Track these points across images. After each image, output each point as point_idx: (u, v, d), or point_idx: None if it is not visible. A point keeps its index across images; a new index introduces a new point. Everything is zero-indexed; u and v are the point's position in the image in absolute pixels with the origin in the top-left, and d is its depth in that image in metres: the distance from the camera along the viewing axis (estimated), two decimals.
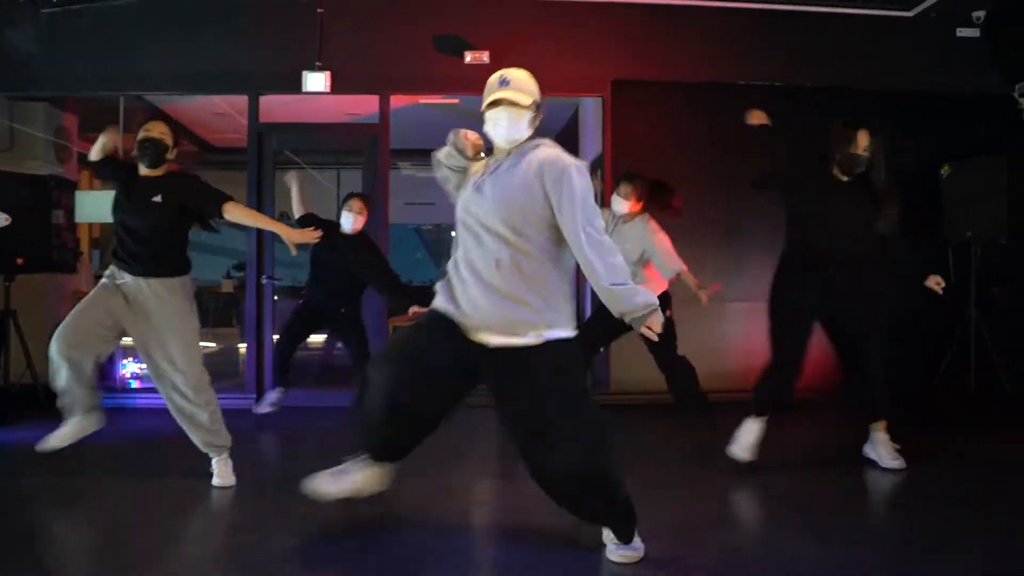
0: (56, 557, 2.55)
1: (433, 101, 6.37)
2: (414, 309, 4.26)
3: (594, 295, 2.59)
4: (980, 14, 5.67)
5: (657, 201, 4.33)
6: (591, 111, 6.63)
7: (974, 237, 5.40)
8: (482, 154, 2.55)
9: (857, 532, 2.86)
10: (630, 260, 4.18)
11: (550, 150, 2.45)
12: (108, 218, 3.43)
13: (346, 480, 2.58)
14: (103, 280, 3.32)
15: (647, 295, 2.32)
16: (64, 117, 6.30)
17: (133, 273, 3.25)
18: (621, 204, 4.30)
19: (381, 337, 5.58)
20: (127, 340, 3.41)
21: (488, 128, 2.48)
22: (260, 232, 5.41)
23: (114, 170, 3.43)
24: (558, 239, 2.41)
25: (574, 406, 2.38)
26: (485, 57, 5.36)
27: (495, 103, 2.42)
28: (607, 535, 2.52)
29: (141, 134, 3.30)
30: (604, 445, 2.43)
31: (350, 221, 4.58)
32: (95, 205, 5.56)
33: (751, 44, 5.61)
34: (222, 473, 3.34)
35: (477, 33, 5.41)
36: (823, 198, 3.55)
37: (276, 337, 5.32)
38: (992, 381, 5.29)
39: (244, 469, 3.42)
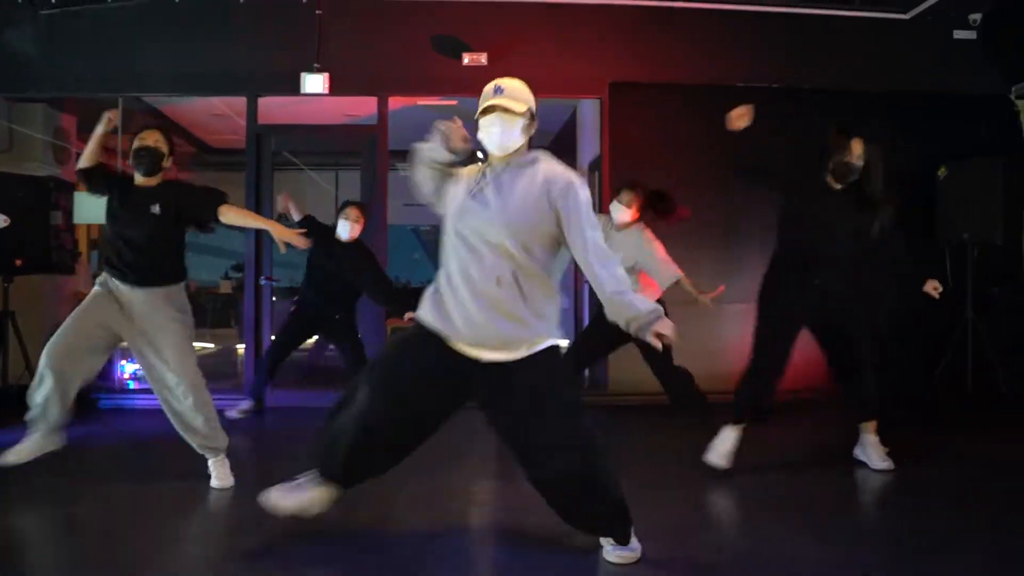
0: (56, 558, 2.55)
1: (431, 103, 6.38)
2: (409, 315, 4.26)
3: (592, 300, 2.60)
4: (976, 16, 5.70)
5: (658, 211, 4.32)
6: (589, 113, 6.64)
7: (971, 238, 5.42)
8: (471, 150, 2.52)
9: (856, 532, 2.88)
10: (626, 266, 4.19)
11: (550, 164, 2.45)
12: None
13: (297, 496, 2.50)
14: (96, 289, 3.30)
15: (649, 302, 2.36)
16: (63, 118, 6.31)
17: (128, 282, 3.25)
18: (621, 212, 4.27)
19: (380, 338, 5.59)
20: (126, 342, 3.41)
21: (482, 135, 2.46)
22: (258, 233, 5.42)
23: (106, 181, 3.39)
24: (555, 252, 2.43)
25: (568, 413, 2.41)
26: (483, 59, 5.38)
27: (489, 109, 2.42)
28: (606, 538, 2.53)
29: (136, 143, 3.30)
30: (598, 449, 2.46)
31: (347, 229, 4.59)
32: (94, 206, 5.52)
33: (749, 46, 5.63)
34: (220, 474, 3.34)
35: (475, 35, 5.42)
36: (815, 204, 3.54)
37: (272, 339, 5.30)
38: (989, 382, 5.31)
39: (243, 470, 3.42)
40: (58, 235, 5.41)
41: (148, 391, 3.54)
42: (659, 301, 4.27)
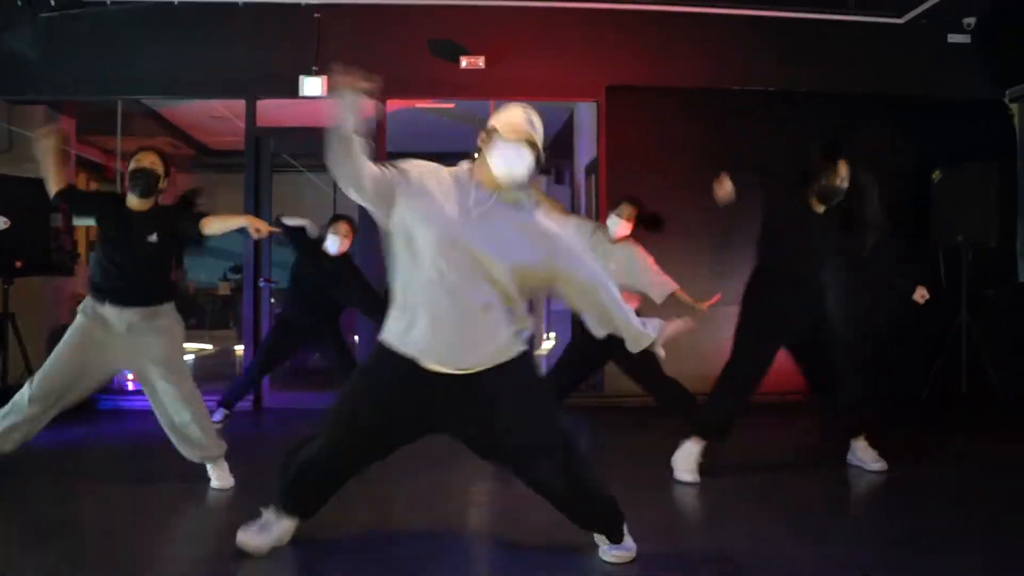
0: (55, 558, 2.55)
1: (429, 105, 6.41)
2: None
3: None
4: (971, 20, 5.73)
5: (647, 229, 4.35)
6: (586, 116, 6.67)
7: (965, 241, 5.45)
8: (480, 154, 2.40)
9: (855, 532, 2.89)
10: (619, 281, 4.21)
11: (548, 219, 2.43)
12: None
13: (266, 536, 2.54)
14: (79, 319, 3.24)
15: (648, 320, 2.49)
16: (62, 120, 6.33)
17: (117, 304, 3.21)
18: (620, 225, 4.28)
19: (375, 336, 5.60)
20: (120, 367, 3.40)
21: (498, 158, 2.33)
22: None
23: (89, 203, 3.37)
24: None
25: (548, 414, 2.46)
26: (480, 62, 5.40)
27: (520, 138, 2.33)
28: (599, 536, 2.56)
29: (132, 164, 3.27)
30: (581, 448, 2.51)
31: (336, 244, 4.56)
32: None
33: (745, 50, 5.66)
34: (220, 476, 3.36)
35: (472, 38, 5.45)
36: (797, 226, 3.54)
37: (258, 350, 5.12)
38: (983, 384, 5.34)
39: (242, 470, 3.43)
40: (58, 237, 5.43)
41: None
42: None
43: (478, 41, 5.45)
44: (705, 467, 3.55)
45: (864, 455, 3.71)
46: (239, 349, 6.59)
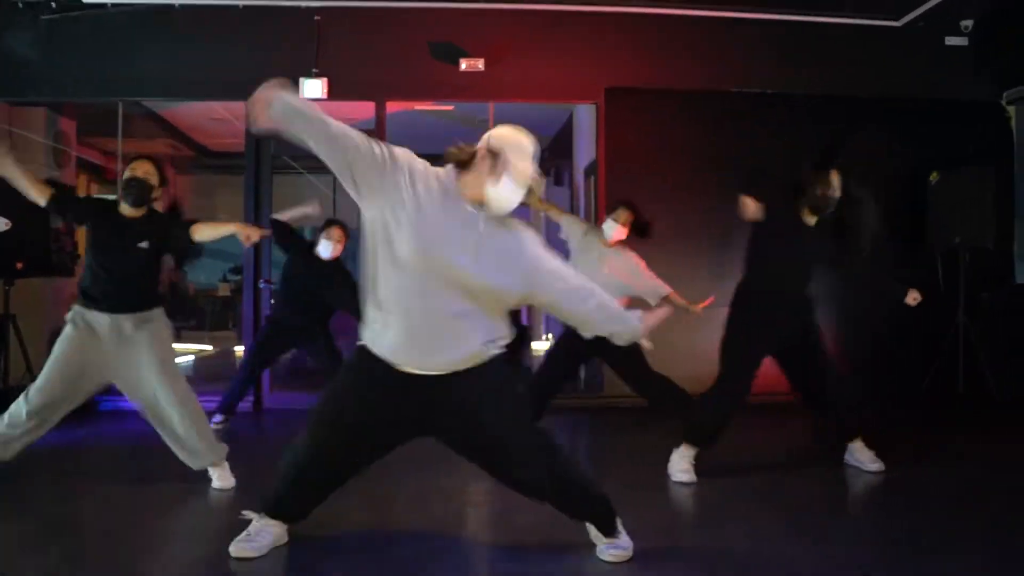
0: (55, 558, 2.57)
1: (429, 108, 6.43)
2: None
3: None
4: (968, 23, 5.75)
5: (636, 233, 4.37)
6: (585, 118, 6.70)
7: (962, 243, 5.46)
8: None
9: (855, 532, 2.90)
10: (610, 285, 4.24)
11: (529, 237, 2.42)
12: None
13: (259, 544, 2.55)
14: (69, 328, 3.24)
15: (629, 313, 2.51)
16: (63, 122, 6.34)
17: (108, 310, 3.22)
18: (616, 229, 4.30)
19: None
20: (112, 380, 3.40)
21: (500, 192, 2.29)
22: None
23: (79, 210, 3.38)
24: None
25: (521, 420, 2.49)
26: (480, 64, 5.42)
27: (526, 183, 2.34)
28: (594, 535, 2.58)
29: (127, 173, 3.29)
30: (559, 450, 2.53)
31: (328, 249, 4.56)
32: None
33: (743, 52, 5.68)
34: (221, 476, 3.38)
35: (472, 41, 5.46)
36: (787, 240, 3.55)
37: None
38: (981, 385, 5.35)
39: (243, 471, 3.44)
40: (58, 238, 5.44)
41: None
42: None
43: (478, 43, 5.47)
44: (704, 467, 3.56)
45: (861, 455, 3.73)
46: (239, 350, 6.60)
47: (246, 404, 5.24)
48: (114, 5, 5.33)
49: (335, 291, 4.55)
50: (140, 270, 3.28)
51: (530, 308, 7.63)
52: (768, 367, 3.72)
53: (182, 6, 5.37)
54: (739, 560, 2.57)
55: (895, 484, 3.53)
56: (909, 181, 5.67)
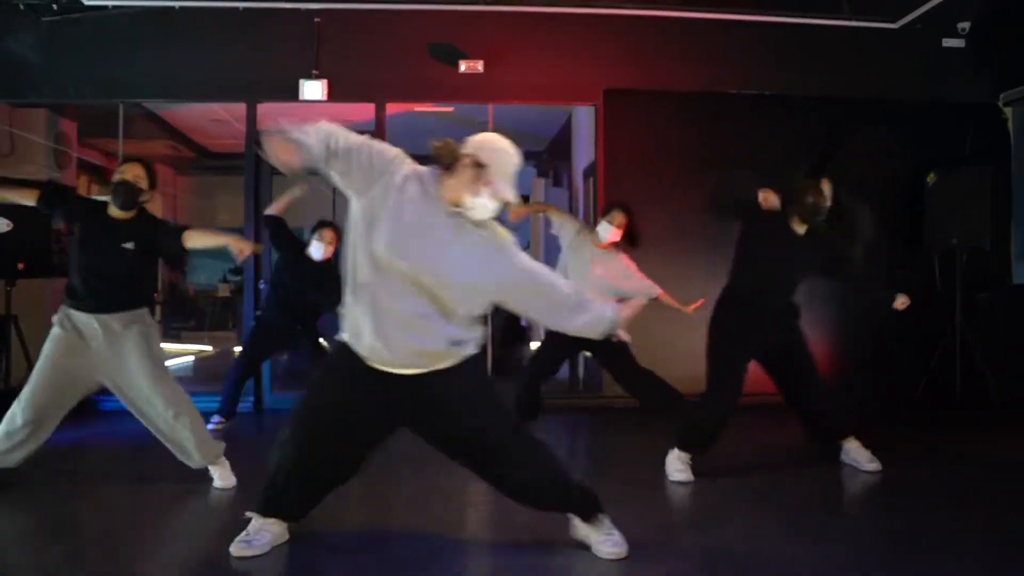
0: (55, 558, 2.58)
1: (428, 109, 6.45)
2: None
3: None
4: (965, 25, 5.77)
5: (626, 240, 4.42)
6: (584, 119, 6.72)
7: (959, 244, 5.48)
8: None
9: (855, 532, 2.90)
10: (601, 286, 4.28)
11: (504, 245, 2.42)
12: None
13: (259, 544, 2.56)
14: (55, 330, 3.26)
15: (603, 307, 2.49)
16: (63, 123, 6.37)
17: (93, 310, 3.23)
18: (611, 232, 4.34)
19: None
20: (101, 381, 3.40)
21: (480, 203, 2.32)
22: (256, 236, 5.47)
23: (66, 210, 3.38)
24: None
25: (496, 417, 2.52)
26: (479, 66, 5.44)
27: (505, 199, 2.35)
28: (584, 533, 2.60)
29: (116, 175, 3.30)
30: (536, 447, 2.57)
31: (320, 250, 4.58)
32: None
33: (741, 54, 5.70)
34: (222, 475, 3.39)
35: (472, 43, 5.48)
36: (777, 249, 3.56)
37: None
38: (978, 386, 5.36)
39: (243, 471, 3.45)
40: (59, 239, 5.46)
41: None
42: None
43: (477, 45, 5.49)
44: (703, 467, 3.57)
45: (858, 455, 3.74)
46: (238, 350, 6.60)
47: (247, 404, 5.26)
48: (115, 7, 5.35)
49: (323, 293, 4.56)
50: (125, 271, 3.28)
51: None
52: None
53: (183, 8, 5.39)
54: (739, 560, 2.57)
55: (894, 484, 3.54)
56: (906, 182, 5.70)
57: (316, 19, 5.45)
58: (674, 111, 5.68)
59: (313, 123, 2.29)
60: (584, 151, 6.81)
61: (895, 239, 5.63)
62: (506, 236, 2.45)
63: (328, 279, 4.59)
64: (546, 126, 7.86)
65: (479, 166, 2.30)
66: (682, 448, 3.57)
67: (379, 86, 5.61)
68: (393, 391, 2.43)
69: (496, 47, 5.53)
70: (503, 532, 2.87)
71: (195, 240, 3.33)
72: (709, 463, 3.62)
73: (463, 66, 5.46)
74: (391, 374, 2.40)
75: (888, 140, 5.66)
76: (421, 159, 2.48)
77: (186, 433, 3.30)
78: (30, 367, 4.93)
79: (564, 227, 4.52)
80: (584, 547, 2.61)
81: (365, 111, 5.85)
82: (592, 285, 4.21)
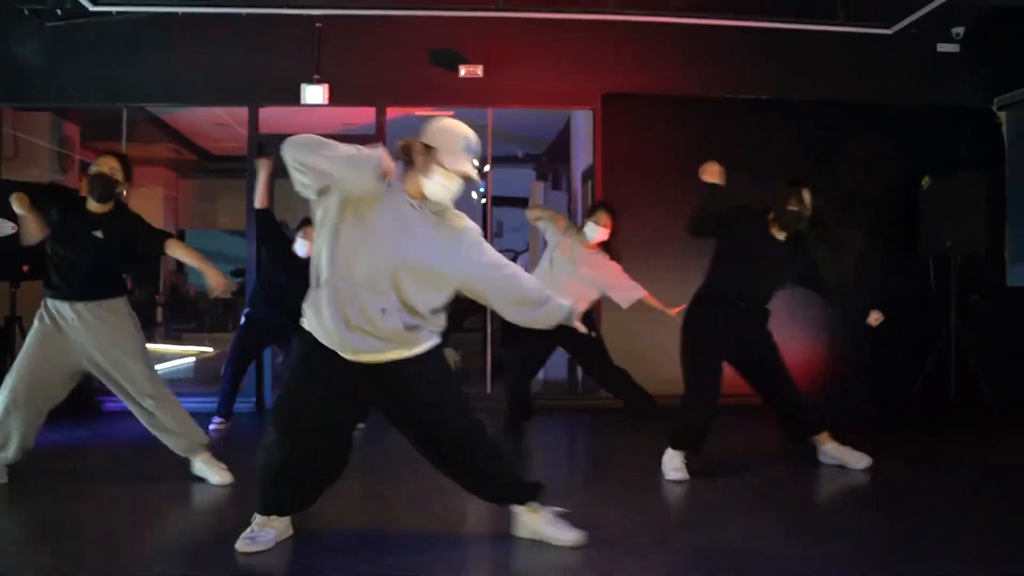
0: (55, 558, 2.58)
1: (428, 113, 6.49)
2: None
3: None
4: (960, 30, 5.80)
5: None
6: (582, 123, 6.75)
7: (954, 248, 5.50)
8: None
9: (854, 532, 2.89)
10: (586, 283, 4.32)
11: (466, 234, 2.50)
12: None
13: (263, 541, 2.59)
14: (37, 323, 3.34)
15: (559, 301, 2.58)
16: (67, 127, 6.41)
17: (69, 299, 3.29)
18: (598, 232, 4.38)
19: None
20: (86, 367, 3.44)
21: (433, 185, 2.40)
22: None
23: (44, 200, 3.42)
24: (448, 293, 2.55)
25: (454, 407, 2.60)
26: (479, 71, 5.48)
27: (459, 174, 2.39)
28: (533, 529, 2.68)
29: (92, 168, 3.35)
30: (490, 438, 2.66)
31: (305, 248, 4.56)
32: None
33: (737, 59, 5.74)
34: (214, 471, 3.40)
35: (471, 47, 5.52)
36: (755, 256, 3.61)
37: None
38: (973, 389, 5.38)
39: (244, 470, 3.43)
40: None
41: None
42: (587, 313, 4.41)
43: (477, 50, 5.53)
44: (702, 467, 3.59)
45: (838, 454, 3.76)
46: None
47: (247, 405, 5.27)
48: (118, 12, 5.39)
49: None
50: (93, 258, 3.32)
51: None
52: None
53: (185, 14, 5.43)
54: (739, 560, 2.56)
55: (893, 485, 3.54)
56: (901, 186, 5.72)
57: (317, 24, 5.49)
58: (671, 115, 5.72)
59: (307, 136, 2.42)
60: (583, 154, 6.84)
61: (890, 243, 5.67)
62: (470, 226, 2.52)
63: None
64: (545, 130, 7.90)
65: (428, 148, 2.39)
66: (675, 447, 3.60)
67: (380, 90, 5.66)
68: (358, 376, 2.48)
69: (496, 52, 5.57)
70: (503, 531, 2.86)
71: (178, 252, 3.42)
72: (709, 463, 3.64)
73: (463, 71, 5.50)
74: (356, 363, 2.46)
75: (883, 144, 5.69)
76: None
77: (167, 418, 3.36)
78: None
79: (551, 226, 4.55)
80: (586, 546, 2.62)
81: (366, 115, 5.89)
82: (579, 284, 4.26)
